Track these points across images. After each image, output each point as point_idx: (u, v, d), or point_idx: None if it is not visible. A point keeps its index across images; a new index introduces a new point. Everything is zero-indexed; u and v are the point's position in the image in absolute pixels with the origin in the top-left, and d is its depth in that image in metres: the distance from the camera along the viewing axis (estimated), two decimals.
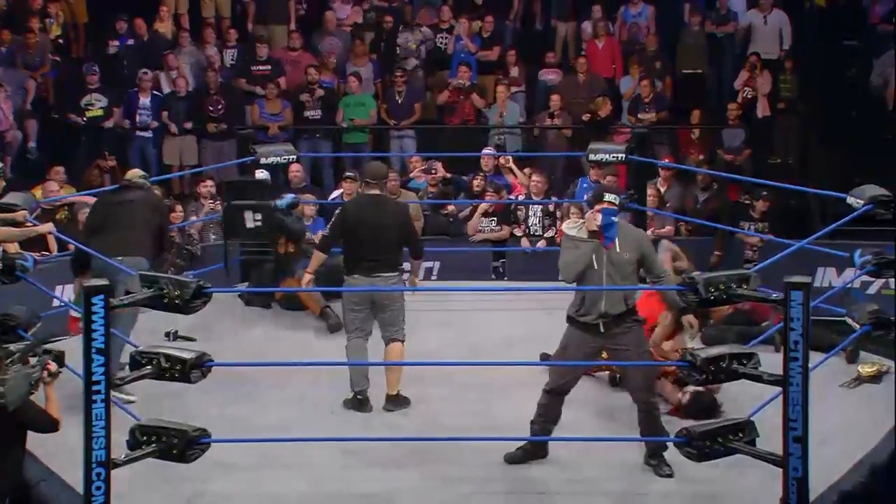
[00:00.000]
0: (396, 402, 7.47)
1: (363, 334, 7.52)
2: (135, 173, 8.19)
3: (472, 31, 13.69)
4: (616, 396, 7.70)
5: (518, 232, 11.03)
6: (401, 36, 13.63)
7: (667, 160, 11.77)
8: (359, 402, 7.44)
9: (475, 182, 11.43)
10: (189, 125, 12.68)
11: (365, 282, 7.42)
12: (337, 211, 7.69)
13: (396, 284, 7.52)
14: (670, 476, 6.41)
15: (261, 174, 10.09)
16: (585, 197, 10.36)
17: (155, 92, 12.79)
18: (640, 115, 12.69)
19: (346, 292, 7.59)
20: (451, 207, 11.38)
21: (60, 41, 13.31)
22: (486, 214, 11.17)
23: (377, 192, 7.55)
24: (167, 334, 8.49)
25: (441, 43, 13.72)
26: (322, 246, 7.75)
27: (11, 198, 7.97)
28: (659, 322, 7.49)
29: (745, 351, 5.88)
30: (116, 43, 13.32)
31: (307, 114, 12.84)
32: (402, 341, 7.54)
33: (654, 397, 6.63)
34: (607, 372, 7.81)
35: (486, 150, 12.01)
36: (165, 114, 12.65)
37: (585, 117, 12.78)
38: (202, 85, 12.94)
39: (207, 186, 11.04)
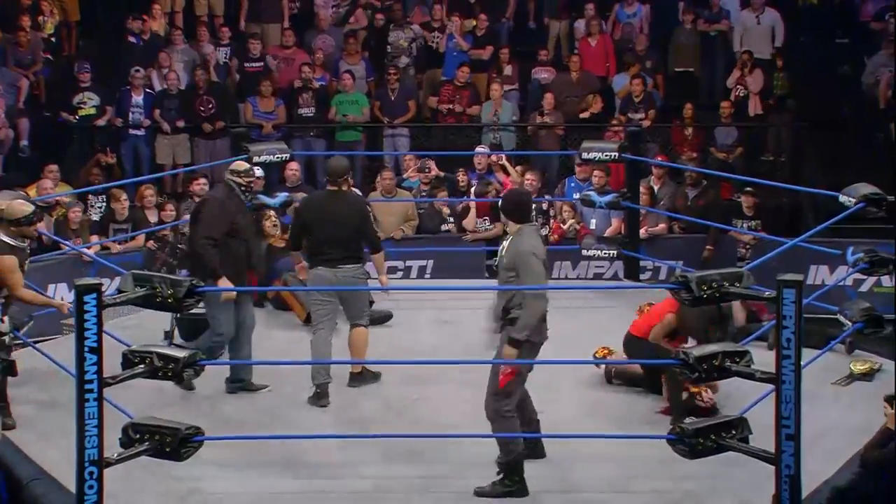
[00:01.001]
0: (360, 378, 7.66)
1: (329, 327, 7.62)
2: (239, 165, 7.90)
3: (464, 30, 13.68)
4: (610, 395, 7.73)
5: None
6: (392, 34, 13.61)
7: (660, 159, 11.78)
8: (317, 396, 7.49)
9: (460, 176, 11.45)
10: (181, 123, 12.65)
11: (328, 274, 7.51)
12: (293, 207, 7.72)
13: (360, 275, 7.62)
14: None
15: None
16: (575, 196, 10.39)
17: (147, 90, 12.76)
18: (629, 115, 12.69)
19: (312, 285, 7.66)
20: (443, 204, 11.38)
21: (52, 39, 13.27)
22: (478, 214, 11.15)
23: (335, 188, 7.66)
24: (166, 333, 8.46)
25: (433, 41, 13.70)
26: (291, 246, 7.96)
27: (2, 197, 7.94)
28: (661, 322, 7.48)
29: (737, 349, 5.88)
30: (133, 39, 13.27)
31: (301, 111, 12.82)
32: (366, 326, 7.71)
33: (500, 404, 6.24)
34: (603, 368, 7.85)
35: (479, 149, 12.01)
36: (157, 112, 12.62)
37: (584, 115, 12.79)
38: (195, 83, 12.91)
39: (200, 184, 10.99)
